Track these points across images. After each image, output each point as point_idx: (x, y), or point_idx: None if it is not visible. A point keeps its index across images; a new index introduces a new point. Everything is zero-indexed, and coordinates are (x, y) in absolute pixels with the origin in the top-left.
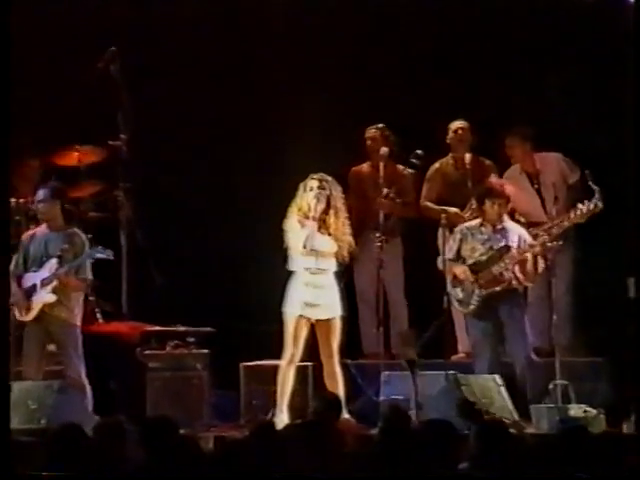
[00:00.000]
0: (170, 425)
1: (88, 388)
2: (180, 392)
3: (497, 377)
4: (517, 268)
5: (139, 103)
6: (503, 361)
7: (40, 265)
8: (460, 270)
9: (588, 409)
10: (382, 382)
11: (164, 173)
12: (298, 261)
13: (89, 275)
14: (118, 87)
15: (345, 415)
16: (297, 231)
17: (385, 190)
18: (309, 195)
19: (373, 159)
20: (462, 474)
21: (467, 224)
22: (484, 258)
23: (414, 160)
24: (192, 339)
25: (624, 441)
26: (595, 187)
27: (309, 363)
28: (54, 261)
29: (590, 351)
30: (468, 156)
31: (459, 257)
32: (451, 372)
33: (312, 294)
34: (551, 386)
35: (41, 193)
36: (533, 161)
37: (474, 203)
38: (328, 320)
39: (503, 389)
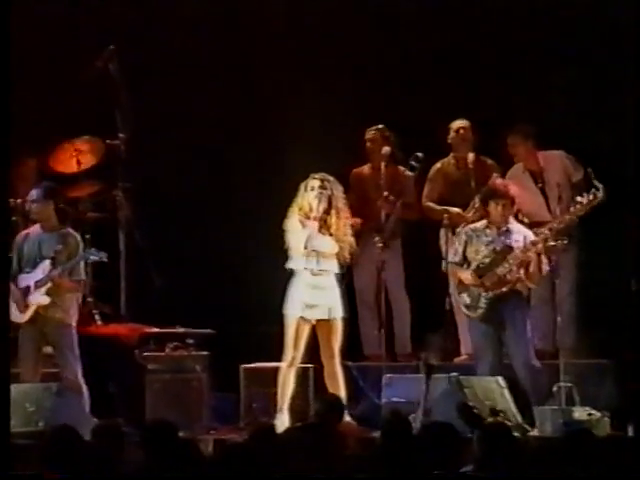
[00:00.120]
0: (169, 428)
1: (85, 389)
2: (179, 394)
3: (500, 379)
4: (521, 270)
5: (138, 102)
6: (506, 363)
7: (34, 266)
8: (465, 275)
9: (592, 412)
10: (384, 385)
11: (163, 173)
12: (299, 262)
13: (83, 276)
14: (117, 86)
15: (346, 418)
16: (298, 231)
17: (385, 193)
18: (310, 195)
19: (374, 160)
20: (464, 475)
21: (472, 226)
22: (487, 260)
23: (414, 163)
24: (191, 341)
25: (629, 444)
26: (599, 185)
27: (310, 365)
28: (47, 262)
29: (594, 353)
30: (471, 155)
31: (465, 260)
32: (454, 374)
33: (313, 295)
34: (555, 388)
35: (34, 193)
36: (536, 159)
37: (477, 203)
38: (329, 321)
39: (506, 391)
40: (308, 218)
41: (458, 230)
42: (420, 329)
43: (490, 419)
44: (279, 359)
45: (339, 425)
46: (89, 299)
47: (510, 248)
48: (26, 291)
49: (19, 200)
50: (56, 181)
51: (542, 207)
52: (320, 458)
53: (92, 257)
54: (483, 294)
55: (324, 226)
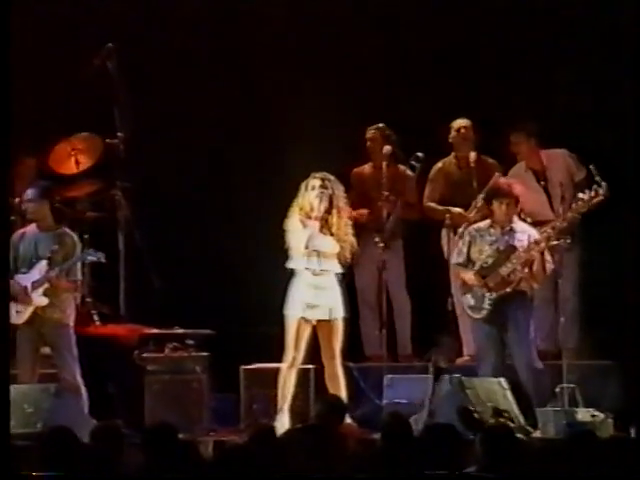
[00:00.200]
0: (169, 429)
1: (83, 389)
2: (179, 396)
3: (502, 381)
4: (525, 270)
5: (137, 101)
6: (509, 364)
7: (30, 266)
8: (468, 276)
9: (596, 413)
10: (385, 386)
11: (163, 172)
12: (300, 262)
13: (79, 276)
14: (115, 84)
15: (347, 419)
16: (299, 231)
17: (386, 192)
18: (311, 194)
19: (374, 160)
20: (466, 475)
21: (476, 225)
22: (491, 260)
23: (414, 163)
24: (191, 341)
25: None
26: (602, 182)
27: (311, 366)
28: (44, 263)
29: (597, 354)
30: (473, 155)
31: (469, 260)
32: (456, 375)
33: (314, 295)
34: (558, 389)
35: (30, 192)
36: (539, 158)
37: (479, 202)
38: (330, 321)
39: (509, 393)
40: (309, 218)
41: (461, 230)
42: (421, 330)
43: (493, 420)
44: (279, 360)
45: (340, 426)
46: (88, 299)
47: (514, 248)
48: (23, 291)
49: (17, 199)
50: (54, 180)
51: (545, 206)
52: (320, 459)
53: (90, 257)
54: (487, 295)
55: (325, 226)
